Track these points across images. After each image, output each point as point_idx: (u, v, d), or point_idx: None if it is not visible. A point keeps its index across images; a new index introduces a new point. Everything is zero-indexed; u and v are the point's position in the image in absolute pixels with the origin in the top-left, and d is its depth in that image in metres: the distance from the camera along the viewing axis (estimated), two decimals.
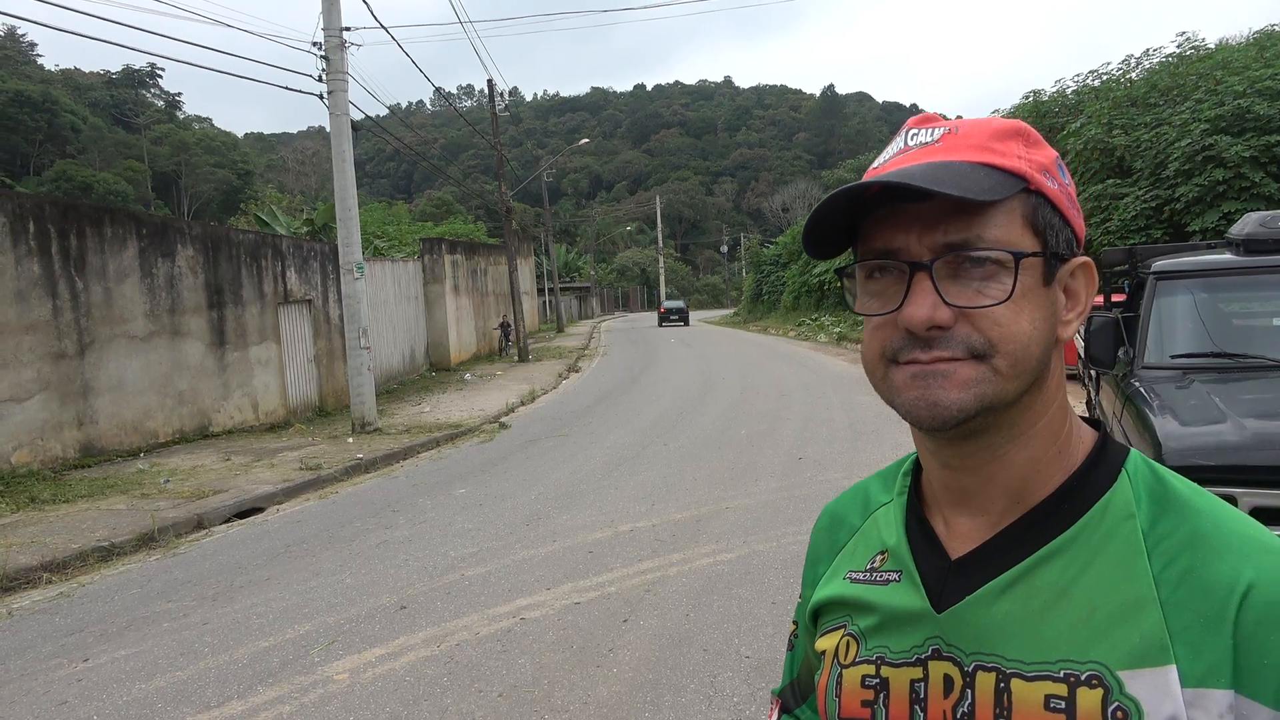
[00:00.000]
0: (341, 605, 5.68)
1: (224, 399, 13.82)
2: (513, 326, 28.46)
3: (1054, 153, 0.80)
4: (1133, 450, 0.82)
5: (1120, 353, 4.96)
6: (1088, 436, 0.83)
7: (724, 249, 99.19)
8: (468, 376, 22.00)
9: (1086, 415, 0.86)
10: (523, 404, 16.75)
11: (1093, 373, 6.51)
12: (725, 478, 8.78)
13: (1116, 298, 7.00)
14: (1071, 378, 11.96)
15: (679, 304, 50.17)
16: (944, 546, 0.83)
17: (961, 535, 0.82)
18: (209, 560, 7.09)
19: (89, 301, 11.33)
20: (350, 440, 12.74)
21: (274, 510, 8.95)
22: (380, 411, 14.90)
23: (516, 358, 26.89)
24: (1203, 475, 3.33)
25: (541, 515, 7.75)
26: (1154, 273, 5.27)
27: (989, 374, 0.74)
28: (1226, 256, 5.26)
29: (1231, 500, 3.26)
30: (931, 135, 0.80)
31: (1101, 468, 0.80)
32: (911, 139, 0.81)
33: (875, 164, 0.83)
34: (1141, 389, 4.53)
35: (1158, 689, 0.69)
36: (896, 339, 0.76)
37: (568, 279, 68.60)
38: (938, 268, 0.74)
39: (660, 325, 46.75)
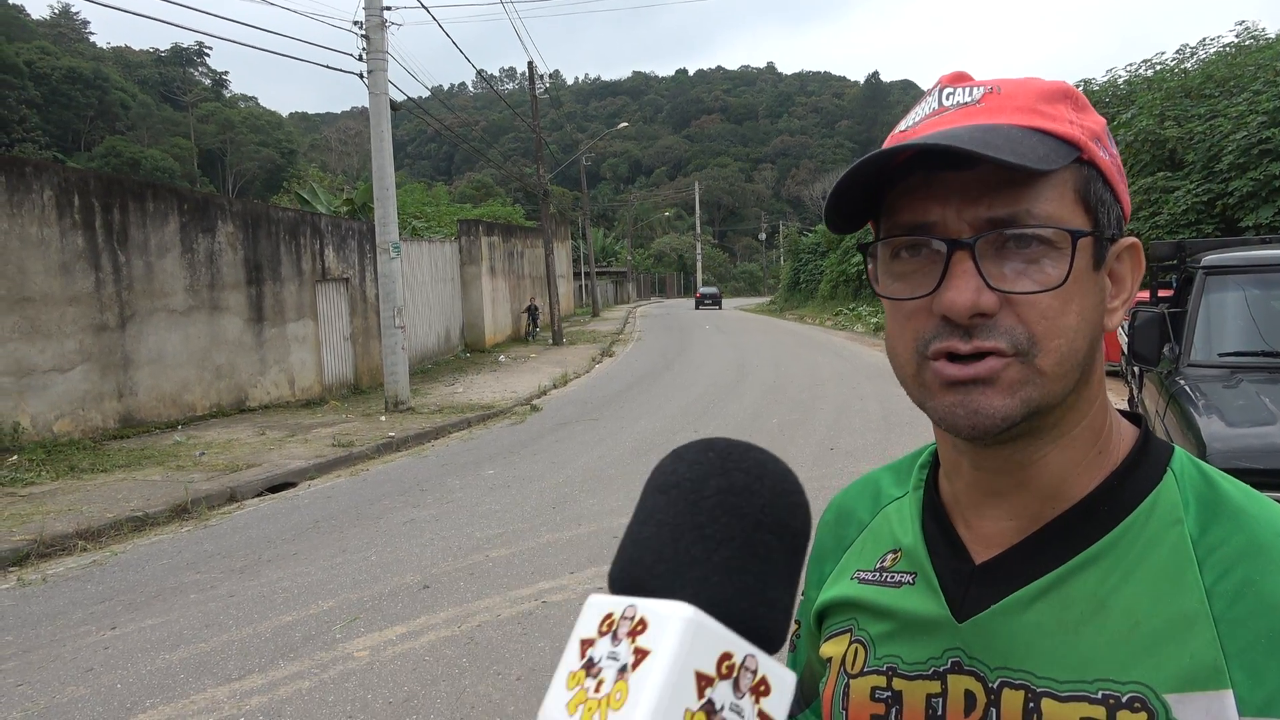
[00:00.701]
0: (366, 582, 5.71)
1: (261, 374, 13.99)
2: (539, 310, 28.38)
3: (1103, 120, 0.71)
4: (1178, 449, 0.73)
5: (1165, 350, 4.80)
6: (1128, 433, 0.75)
7: (762, 236, 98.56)
8: (502, 358, 22.09)
9: (1126, 409, 0.76)
10: (555, 387, 16.77)
11: (1135, 369, 6.33)
12: None
13: (1163, 293, 6.79)
14: (1113, 374, 11.70)
15: (713, 290, 58.36)
16: (966, 549, 0.75)
17: (986, 538, 0.74)
18: (239, 533, 7.17)
19: (130, 275, 11.50)
20: (383, 418, 12.84)
21: (305, 485, 9.04)
22: (414, 391, 14.99)
23: (551, 340, 26.95)
24: (1249, 479, 3.18)
25: (568, 498, 7.73)
26: (1204, 267, 5.08)
27: (1033, 375, 0.65)
28: None
29: None
30: (971, 95, 0.70)
31: (1144, 468, 0.71)
32: (947, 98, 0.71)
33: (903, 126, 0.73)
34: (1187, 387, 4.37)
35: (1211, 715, 0.61)
36: (930, 327, 0.67)
37: (604, 264, 68.56)
38: (980, 247, 0.65)
39: (696, 308, 53.92)
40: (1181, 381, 4.50)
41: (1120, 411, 0.78)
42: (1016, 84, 0.70)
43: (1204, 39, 21.04)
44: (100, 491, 8.27)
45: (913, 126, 0.71)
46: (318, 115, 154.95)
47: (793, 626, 0.98)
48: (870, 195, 0.71)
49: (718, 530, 0.45)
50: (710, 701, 0.40)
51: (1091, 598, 0.68)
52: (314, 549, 6.56)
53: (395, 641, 4.72)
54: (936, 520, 0.79)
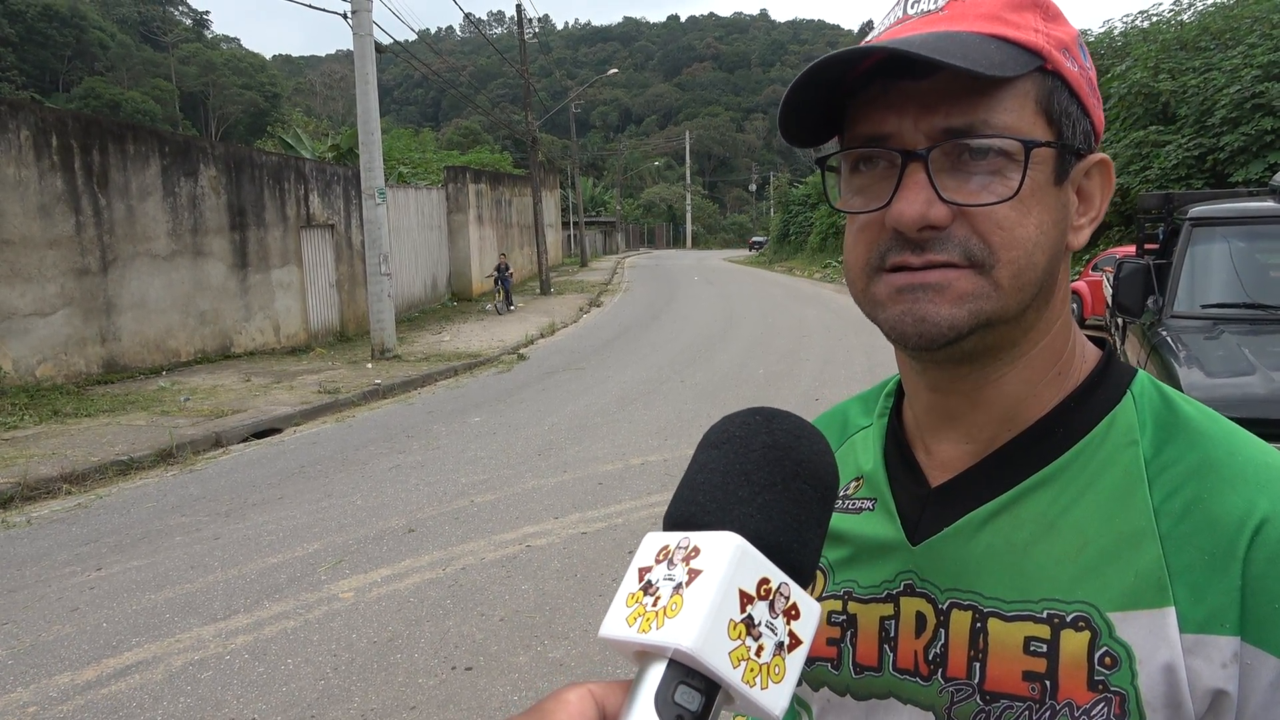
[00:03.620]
0: (351, 526, 5.74)
1: (245, 320, 13.90)
2: (510, 270, 23.14)
3: (1075, 30, 0.69)
4: (1140, 371, 0.72)
5: (1149, 301, 4.82)
6: (1091, 356, 0.74)
7: (753, 187, 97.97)
8: (489, 307, 22.01)
9: (1093, 334, 0.75)
10: (542, 336, 16.74)
11: (1120, 321, 6.36)
12: None
13: (1149, 246, 6.79)
14: (1098, 328, 11.76)
15: (762, 239, 69.75)
16: (924, 474, 0.75)
17: (943, 462, 0.74)
18: (224, 477, 7.18)
19: (111, 219, 11.34)
20: (369, 366, 12.81)
21: (291, 431, 9.04)
22: (400, 339, 14.94)
23: (539, 290, 26.83)
24: None
25: (554, 446, 7.76)
26: (1190, 219, 5.08)
27: (988, 288, 0.64)
28: (1268, 204, 5.06)
29: None
30: (935, 3, 0.68)
31: (1103, 389, 0.71)
32: (912, 7, 0.69)
33: (869, 37, 0.71)
34: (1168, 338, 4.40)
35: (1153, 633, 0.61)
36: (884, 240, 0.66)
37: (593, 213, 68.03)
38: (934, 157, 0.63)
39: (750, 250, 68.00)
40: (1163, 332, 4.53)
41: (1088, 336, 0.76)
42: None
43: None
44: (84, 436, 8.25)
45: (878, 35, 0.69)
46: (302, 58, 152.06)
47: None
48: (832, 108, 0.69)
49: (762, 477, 0.52)
50: (750, 616, 0.47)
51: (1041, 519, 0.67)
52: (299, 493, 6.58)
53: (380, 583, 4.77)
54: (897, 447, 0.78)
